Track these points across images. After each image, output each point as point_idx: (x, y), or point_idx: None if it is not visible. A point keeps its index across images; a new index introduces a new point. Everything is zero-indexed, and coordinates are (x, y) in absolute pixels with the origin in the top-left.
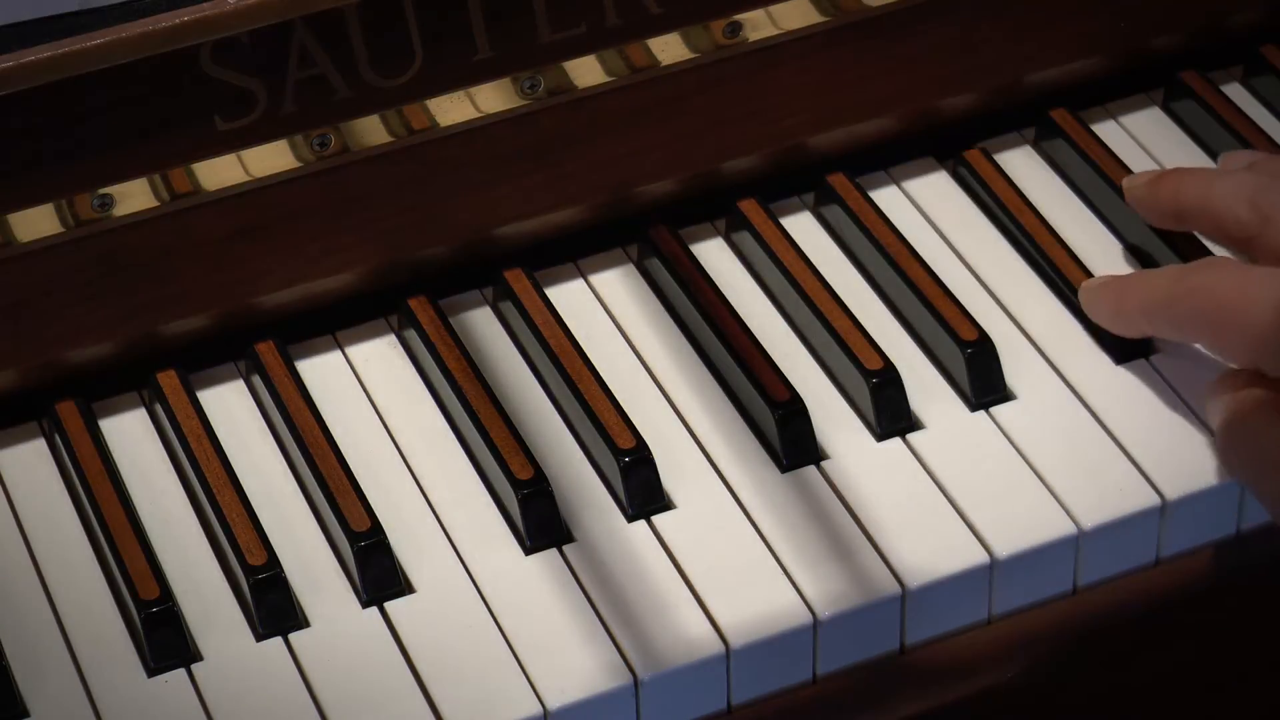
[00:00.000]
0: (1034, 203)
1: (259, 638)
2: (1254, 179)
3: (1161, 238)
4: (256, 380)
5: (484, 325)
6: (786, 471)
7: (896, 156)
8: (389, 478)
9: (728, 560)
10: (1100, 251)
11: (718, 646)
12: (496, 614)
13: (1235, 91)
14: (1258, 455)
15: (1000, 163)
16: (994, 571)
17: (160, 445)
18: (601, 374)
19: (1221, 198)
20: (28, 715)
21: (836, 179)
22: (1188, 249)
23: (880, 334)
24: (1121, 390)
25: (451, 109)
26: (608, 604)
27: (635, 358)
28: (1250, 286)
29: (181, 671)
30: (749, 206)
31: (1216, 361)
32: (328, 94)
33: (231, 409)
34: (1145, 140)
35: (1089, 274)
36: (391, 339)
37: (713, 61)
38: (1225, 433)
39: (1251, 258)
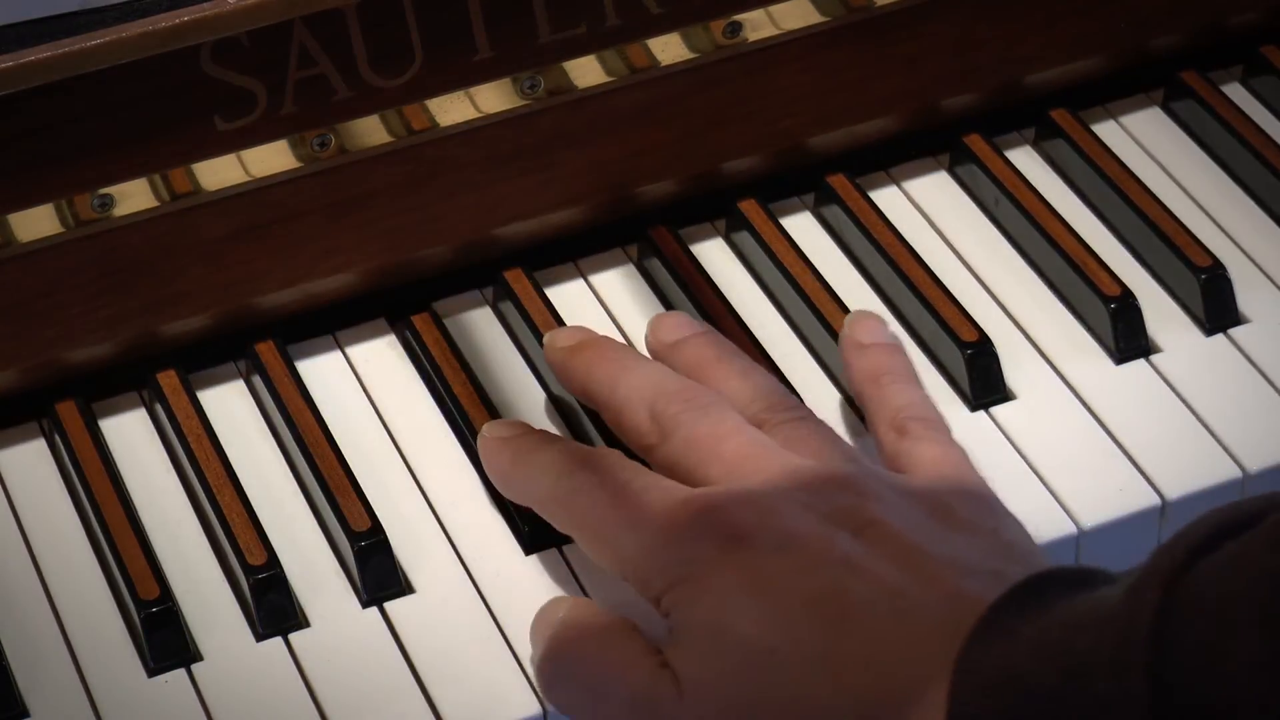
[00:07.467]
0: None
1: (259, 638)
2: (659, 380)
3: (1162, 240)
4: (256, 380)
5: (484, 325)
6: None
7: (896, 156)
8: (389, 477)
9: None
10: (1100, 251)
11: None
12: (496, 614)
13: (1235, 91)
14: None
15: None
16: None
17: (160, 445)
18: None
19: (626, 398)
20: (28, 715)
21: (836, 179)
22: (1190, 251)
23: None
24: (1121, 390)
25: (451, 109)
26: (606, 603)
27: None
28: (628, 502)
29: (181, 671)
30: (749, 206)
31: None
32: (327, 94)
33: (231, 409)
34: (1145, 140)
35: (1089, 274)
36: (391, 339)
37: (713, 61)
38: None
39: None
